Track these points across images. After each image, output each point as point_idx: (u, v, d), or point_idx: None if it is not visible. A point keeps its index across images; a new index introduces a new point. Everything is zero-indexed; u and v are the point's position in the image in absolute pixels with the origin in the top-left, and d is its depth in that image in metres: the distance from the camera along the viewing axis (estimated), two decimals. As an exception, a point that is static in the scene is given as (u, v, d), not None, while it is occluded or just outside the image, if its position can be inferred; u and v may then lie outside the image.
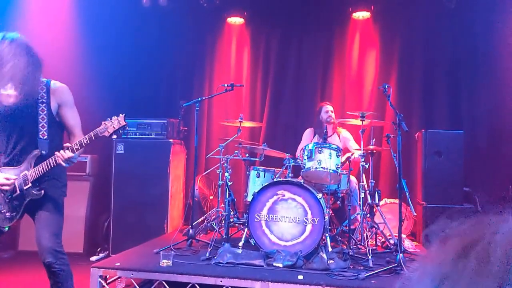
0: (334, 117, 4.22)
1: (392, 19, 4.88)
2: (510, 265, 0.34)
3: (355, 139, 4.26)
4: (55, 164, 2.20)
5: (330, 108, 4.24)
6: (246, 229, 3.35)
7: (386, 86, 3.57)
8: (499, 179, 4.25)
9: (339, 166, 3.50)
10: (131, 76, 4.94)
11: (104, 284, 2.86)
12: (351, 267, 3.01)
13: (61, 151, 2.18)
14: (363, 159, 3.66)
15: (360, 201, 3.70)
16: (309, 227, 3.21)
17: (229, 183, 3.67)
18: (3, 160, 2.31)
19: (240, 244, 3.28)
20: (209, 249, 3.19)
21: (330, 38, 5.02)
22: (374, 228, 3.73)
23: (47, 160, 2.22)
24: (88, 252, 4.17)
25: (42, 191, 2.25)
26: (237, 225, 3.85)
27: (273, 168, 3.84)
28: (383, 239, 3.73)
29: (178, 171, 4.48)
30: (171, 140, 4.30)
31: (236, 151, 3.89)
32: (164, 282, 2.80)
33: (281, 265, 2.94)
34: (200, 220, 4.01)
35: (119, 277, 2.98)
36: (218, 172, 3.82)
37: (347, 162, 3.81)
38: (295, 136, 4.57)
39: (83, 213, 4.43)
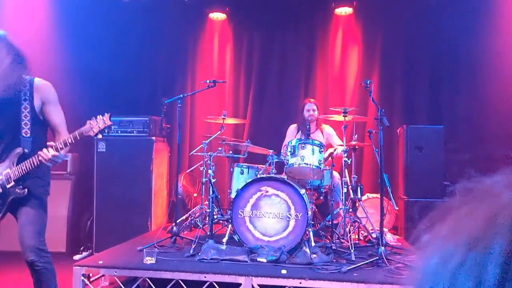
0: (317, 115, 4.24)
1: (375, 15, 4.93)
2: None
3: (338, 135, 4.31)
4: (38, 163, 2.18)
5: (312, 106, 4.25)
6: (230, 226, 3.36)
7: (368, 82, 3.62)
8: (478, 173, 4.35)
9: (322, 162, 3.54)
10: (112, 73, 4.87)
11: (87, 282, 2.83)
12: (334, 260, 3.05)
13: (44, 150, 2.16)
14: (345, 155, 3.71)
15: (342, 196, 3.75)
16: (292, 223, 3.24)
17: (213, 180, 3.67)
18: None
19: (224, 240, 3.29)
20: (193, 246, 3.19)
21: (313, 34, 5.05)
22: (357, 223, 3.79)
23: (31, 159, 2.20)
24: (71, 252, 4.12)
25: (26, 190, 2.23)
26: (221, 221, 3.86)
27: (256, 165, 3.85)
28: (366, 233, 3.79)
29: (161, 168, 4.45)
30: (154, 138, 4.27)
31: (220, 148, 3.89)
32: (148, 279, 2.79)
33: (264, 260, 2.96)
34: (184, 217, 4.00)
35: (102, 275, 2.95)
36: (201, 169, 3.81)
37: (330, 158, 3.85)
38: (278, 133, 4.59)
39: (65, 212, 4.36)
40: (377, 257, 2.98)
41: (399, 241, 3.88)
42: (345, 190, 3.72)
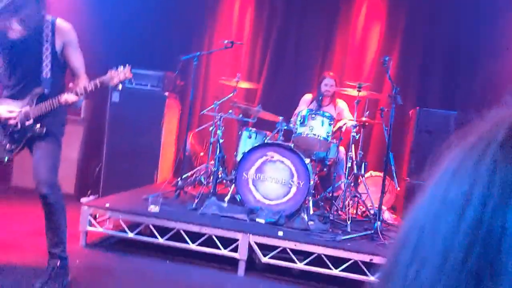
0: (333, 91, 4.19)
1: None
2: None
3: (350, 110, 4.31)
4: (57, 105, 2.24)
5: (330, 81, 4.17)
6: (232, 186, 3.46)
7: (387, 59, 3.59)
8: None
9: (330, 134, 3.57)
10: (129, 24, 4.84)
11: (94, 222, 2.98)
12: (330, 230, 3.15)
13: (65, 95, 2.22)
14: (354, 130, 3.73)
15: (346, 170, 3.80)
16: (293, 189, 3.33)
17: (221, 141, 3.74)
18: (5, 93, 2.33)
19: (226, 199, 3.40)
20: (196, 201, 3.30)
21: (336, 6, 4.94)
22: (357, 198, 3.86)
23: (50, 100, 2.25)
24: (78, 194, 4.28)
25: (44, 129, 2.29)
26: (224, 181, 3.95)
27: (265, 131, 3.90)
28: (364, 209, 3.87)
29: (171, 124, 4.52)
30: (167, 93, 4.32)
31: (230, 111, 3.93)
32: (151, 226, 2.92)
33: (263, 221, 3.07)
34: (189, 174, 4.11)
35: (108, 218, 3.10)
36: (210, 129, 3.87)
37: (339, 131, 3.88)
38: (290, 101, 4.60)
39: (75, 156, 4.50)
40: (373, 232, 3.08)
41: (396, 220, 3.96)
42: (349, 164, 3.77)
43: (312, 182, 3.39)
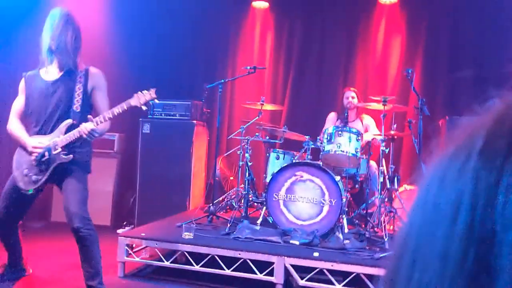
0: (355, 103, 4.22)
1: (420, 4, 4.78)
2: None
3: (376, 124, 4.27)
4: (79, 135, 2.39)
5: (351, 94, 4.24)
6: (264, 208, 3.45)
7: (410, 71, 3.56)
8: None
9: (358, 150, 3.53)
10: (155, 57, 5.08)
11: (131, 252, 3.04)
12: (367, 248, 3.07)
13: (84, 124, 2.38)
14: (383, 144, 3.67)
15: (379, 185, 3.72)
16: (326, 208, 3.28)
17: (249, 164, 3.77)
18: (33, 129, 2.49)
19: (258, 221, 3.39)
20: (228, 225, 3.32)
21: (355, 23, 4.98)
22: (392, 213, 3.75)
23: (76, 130, 2.41)
24: (115, 226, 4.39)
25: (71, 156, 2.43)
26: (255, 204, 3.96)
27: (292, 151, 3.91)
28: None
29: (200, 151, 4.62)
30: (195, 121, 4.43)
31: (257, 134, 3.97)
32: (185, 253, 2.95)
33: (297, 243, 3.03)
34: (220, 199, 4.15)
35: (144, 247, 3.15)
36: (238, 153, 3.92)
37: (367, 146, 3.83)
38: (315, 120, 4.60)
39: (110, 188, 4.65)
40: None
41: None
42: (381, 179, 3.69)
43: (344, 200, 3.33)
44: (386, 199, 3.73)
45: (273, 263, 2.79)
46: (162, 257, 3.00)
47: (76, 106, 2.46)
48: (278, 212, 3.35)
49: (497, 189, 0.26)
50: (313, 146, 3.65)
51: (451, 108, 4.60)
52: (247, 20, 5.26)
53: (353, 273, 2.71)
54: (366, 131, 4.19)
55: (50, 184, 2.57)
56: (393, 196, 3.85)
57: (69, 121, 2.44)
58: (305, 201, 3.32)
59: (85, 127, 2.35)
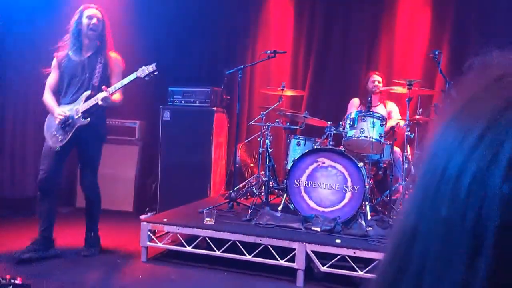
0: (381, 87, 4.10)
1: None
2: None
3: (401, 109, 4.13)
4: (95, 102, 2.95)
5: (377, 78, 4.12)
6: (285, 195, 3.42)
7: (437, 52, 3.41)
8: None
9: (382, 136, 3.43)
10: (175, 43, 5.05)
11: (153, 237, 3.08)
12: (390, 235, 3.00)
13: (100, 93, 2.96)
14: (408, 129, 3.56)
15: (403, 171, 3.62)
16: (348, 195, 3.22)
17: (270, 150, 3.73)
18: (62, 100, 3.09)
19: (279, 208, 3.37)
20: (249, 212, 3.31)
21: (378, 5, 4.80)
22: (417, 200, 3.65)
23: (93, 98, 2.99)
24: (137, 211, 4.46)
25: (88, 119, 2.99)
26: (276, 191, 3.93)
27: (313, 138, 3.84)
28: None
29: (220, 138, 4.60)
30: (215, 108, 4.41)
31: (277, 120, 3.92)
32: (207, 239, 2.96)
33: (319, 229, 2.99)
34: (241, 185, 4.14)
35: (166, 233, 3.19)
36: (259, 139, 3.88)
37: (391, 131, 3.72)
38: (337, 105, 4.50)
39: (132, 175, 4.72)
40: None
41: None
42: (406, 166, 3.59)
43: (367, 186, 3.26)
44: (410, 186, 3.63)
45: (294, 249, 2.77)
46: (184, 242, 3.03)
47: (95, 81, 3.03)
48: (299, 199, 3.31)
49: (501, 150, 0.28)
50: (335, 131, 3.57)
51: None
52: (267, 4, 5.15)
53: (375, 260, 2.66)
54: (389, 117, 4.07)
55: (73, 146, 3.11)
56: (418, 182, 3.74)
57: (88, 92, 3.02)
58: (327, 187, 3.27)
59: (100, 95, 2.92)
